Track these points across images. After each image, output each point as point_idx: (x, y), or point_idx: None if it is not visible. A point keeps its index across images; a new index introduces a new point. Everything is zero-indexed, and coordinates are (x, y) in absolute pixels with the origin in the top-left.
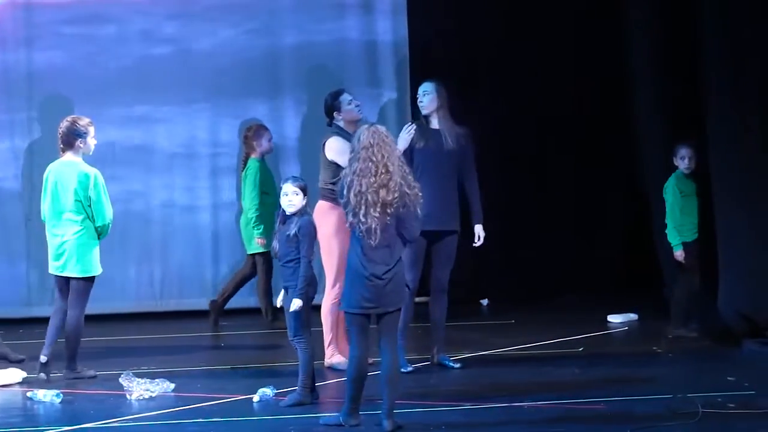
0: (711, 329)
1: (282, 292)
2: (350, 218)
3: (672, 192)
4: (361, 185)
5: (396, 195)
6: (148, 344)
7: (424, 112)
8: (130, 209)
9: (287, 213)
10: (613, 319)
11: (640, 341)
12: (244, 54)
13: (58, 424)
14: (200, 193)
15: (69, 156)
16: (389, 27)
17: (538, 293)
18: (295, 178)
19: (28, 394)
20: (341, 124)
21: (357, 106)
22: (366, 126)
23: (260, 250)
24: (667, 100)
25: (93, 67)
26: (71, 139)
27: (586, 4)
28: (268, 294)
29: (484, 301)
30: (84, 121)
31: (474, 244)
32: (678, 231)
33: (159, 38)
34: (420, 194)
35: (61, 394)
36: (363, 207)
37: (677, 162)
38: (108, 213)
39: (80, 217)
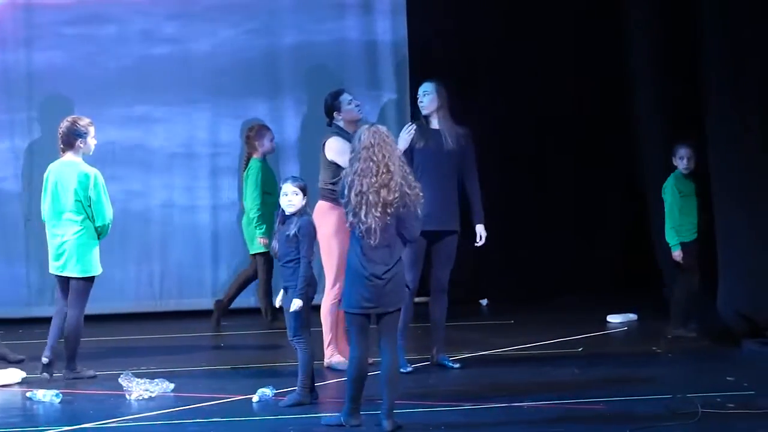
0: (710, 329)
1: (281, 292)
2: (350, 218)
3: (671, 192)
4: (362, 185)
5: (397, 195)
6: (147, 344)
7: (424, 112)
8: (129, 209)
9: (287, 213)
10: (613, 319)
11: (639, 341)
12: (244, 54)
13: (57, 424)
14: (200, 193)
15: (69, 156)
16: (389, 27)
17: (538, 293)
18: (294, 178)
19: (28, 394)
20: (341, 124)
21: (357, 106)
22: (367, 126)
23: (263, 250)
24: (667, 100)
25: (93, 67)
26: (71, 139)
27: (586, 4)
28: (268, 294)
29: (484, 301)
30: (84, 122)
31: (476, 244)
32: (676, 231)
33: (159, 38)
34: (421, 194)
35: (61, 394)
36: (364, 207)
37: (676, 162)
38: (108, 213)
39: (80, 217)
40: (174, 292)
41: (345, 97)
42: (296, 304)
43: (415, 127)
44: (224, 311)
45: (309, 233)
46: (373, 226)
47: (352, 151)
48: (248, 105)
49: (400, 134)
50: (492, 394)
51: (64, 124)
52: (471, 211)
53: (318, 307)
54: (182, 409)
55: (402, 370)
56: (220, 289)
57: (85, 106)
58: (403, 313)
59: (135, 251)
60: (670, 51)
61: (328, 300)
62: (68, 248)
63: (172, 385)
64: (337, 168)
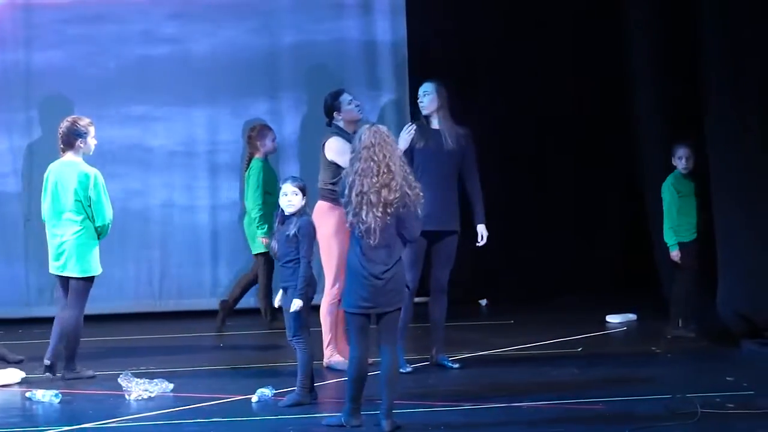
0: (710, 329)
1: (280, 292)
2: (350, 218)
3: (669, 192)
4: (362, 185)
5: (397, 195)
6: (146, 344)
7: (424, 112)
8: (129, 209)
9: (286, 213)
10: (612, 319)
11: (639, 341)
12: (244, 54)
13: (56, 424)
14: (199, 192)
15: (69, 156)
16: (388, 27)
17: (538, 293)
18: (294, 179)
19: (27, 394)
20: (341, 124)
21: (357, 106)
22: (367, 126)
23: (264, 250)
24: (667, 100)
25: (93, 67)
26: (71, 139)
27: (586, 4)
28: (268, 294)
29: (483, 302)
30: (84, 122)
31: (477, 244)
32: (674, 231)
33: (159, 38)
34: (421, 194)
35: (60, 395)
36: (365, 207)
37: (675, 162)
38: (108, 213)
39: (80, 217)
40: (173, 292)
41: (345, 97)
42: (296, 304)
43: (415, 127)
44: (230, 311)
45: (309, 233)
46: (372, 226)
47: (353, 151)
48: (248, 105)
49: (401, 134)
50: (491, 394)
51: (64, 124)
52: (472, 211)
53: (317, 308)
54: (181, 409)
55: (401, 370)
56: (219, 289)
57: (84, 106)
58: (403, 313)
59: (134, 251)
60: (670, 51)
61: (327, 300)
62: (68, 248)
63: (171, 385)
64: (337, 168)
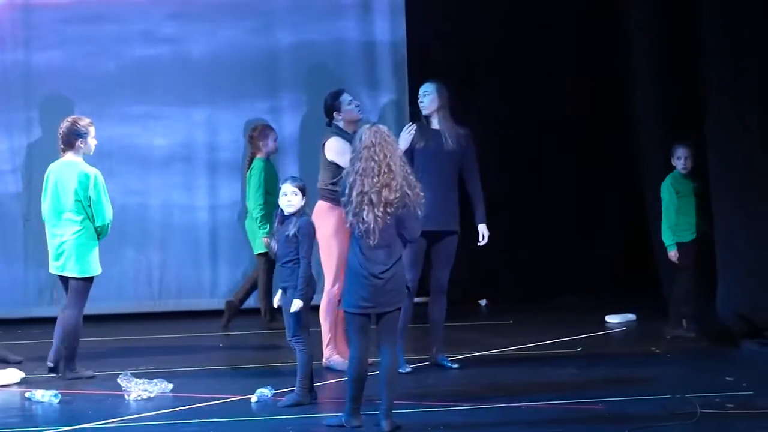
0: (709, 330)
1: (279, 292)
2: (350, 218)
3: (667, 192)
4: (363, 185)
5: (398, 195)
6: (146, 344)
7: (424, 112)
8: (128, 209)
9: (286, 213)
10: (612, 319)
11: (638, 341)
12: (243, 54)
13: (56, 424)
14: (199, 192)
15: (69, 156)
16: (387, 27)
17: (538, 293)
18: (294, 179)
19: (27, 394)
20: (341, 124)
21: (357, 106)
22: (368, 125)
23: (266, 250)
24: (667, 100)
25: (92, 67)
26: (72, 139)
27: (586, 4)
28: (268, 295)
29: (483, 302)
30: (84, 122)
31: (478, 244)
32: (673, 231)
33: (158, 38)
34: (421, 194)
35: (60, 395)
36: (365, 207)
37: (674, 162)
38: (108, 213)
39: (80, 218)
40: (173, 292)
41: (345, 98)
42: (297, 304)
43: (415, 127)
44: (236, 311)
45: (308, 233)
46: (372, 225)
47: (353, 151)
48: (247, 105)
49: (401, 134)
50: (491, 395)
51: (65, 125)
52: (473, 211)
53: (317, 308)
54: (181, 409)
55: (401, 370)
56: (218, 289)
57: (84, 106)
58: (402, 314)
59: (134, 251)
60: (670, 51)
61: (327, 300)
62: (67, 248)
63: (170, 386)
64: (336, 168)
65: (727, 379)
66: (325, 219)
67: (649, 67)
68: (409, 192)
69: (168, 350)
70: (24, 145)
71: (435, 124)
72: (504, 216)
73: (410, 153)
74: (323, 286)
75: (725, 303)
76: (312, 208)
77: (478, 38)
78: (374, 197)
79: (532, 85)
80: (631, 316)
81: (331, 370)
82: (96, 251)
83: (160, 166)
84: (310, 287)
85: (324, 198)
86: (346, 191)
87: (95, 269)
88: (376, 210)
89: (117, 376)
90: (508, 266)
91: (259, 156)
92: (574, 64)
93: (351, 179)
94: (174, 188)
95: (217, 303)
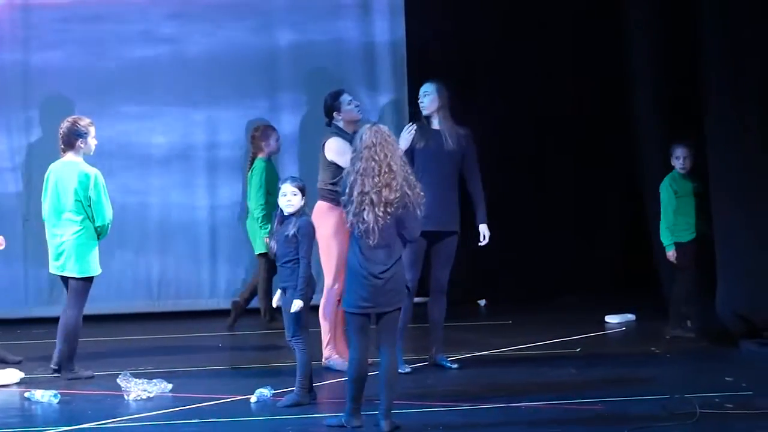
0: (709, 330)
1: (278, 292)
2: (350, 217)
3: (665, 192)
4: (364, 185)
5: (397, 195)
6: (145, 345)
7: (424, 112)
8: (128, 209)
9: (285, 213)
10: (611, 319)
11: (637, 342)
12: (243, 54)
13: (55, 424)
14: (198, 192)
15: (70, 156)
16: (387, 28)
17: (537, 293)
18: (293, 179)
19: (26, 394)
20: (341, 124)
21: (357, 106)
22: (368, 125)
23: (267, 250)
24: (667, 100)
25: (92, 66)
26: (72, 139)
27: (585, 4)
28: (268, 295)
29: (482, 302)
30: (85, 122)
31: (479, 244)
32: (671, 231)
33: (158, 38)
34: (422, 194)
35: (59, 395)
36: (366, 206)
37: (673, 162)
38: (108, 213)
39: (80, 218)
40: (172, 292)
41: (345, 98)
42: (297, 304)
43: (415, 127)
44: (242, 311)
45: (308, 233)
46: (372, 225)
47: (354, 151)
48: (247, 105)
49: (401, 134)
50: (490, 395)
51: (65, 125)
52: (474, 211)
53: (316, 308)
54: (180, 409)
55: (400, 370)
56: (218, 289)
57: (84, 106)
58: (402, 314)
59: (133, 251)
60: (670, 51)
61: (326, 300)
62: (67, 248)
63: (170, 386)
64: (336, 168)
65: (727, 379)
66: (324, 219)
67: (649, 67)
68: (409, 192)
69: (167, 350)
70: (24, 144)
71: (435, 124)
72: (504, 216)
73: (410, 153)
74: (323, 286)
75: (725, 303)
76: (312, 208)
77: (477, 38)
78: (374, 197)
79: (532, 85)
80: (631, 317)
81: (330, 370)
82: (96, 251)
83: (160, 166)
84: (310, 287)
85: (324, 198)
86: (347, 191)
87: (95, 269)
88: (376, 210)
89: (116, 376)
90: (507, 266)
91: (260, 156)
92: (574, 64)
93: (352, 179)
94: (173, 188)
95: (217, 303)
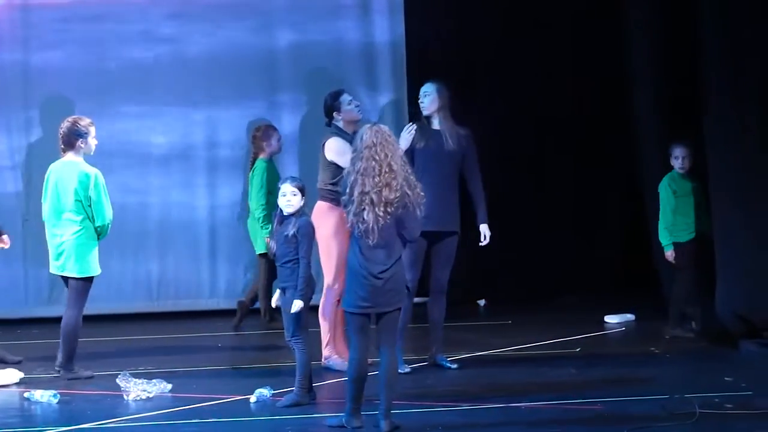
0: (708, 330)
1: (278, 292)
2: (351, 217)
3: (664, 191)
4: (364, 184)
5: (398, 195)
6: (145, 345)
7: (424, 112)
8: (127, 209)
9: (285, 213)
10: (611, 319)
11: (637, 342)
12: (243, 54)
13: (55, 424)
14: (198, 192)
15: (70, 156)
16: (386, 27)
17: (537, 293)
18: (293, 179)
19: (26, 394)
20: (340, 124)
21: (357, 106)
22: (368, 125)
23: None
24: (667, 100)
25: (92, 66)
26: (72, 139)
27: (585, 4)
28: (268, 295)
29: (482, 302)
30: (85, 122)
31: (480, 244)
32: (669, 231)
33: (158, 38)
34: (422, 194)
35: (58, 395)
36: (366, 206)
37: (672, 161)
38: (108, 213)
39: (80, 218)
40: (172, 292)
41: (345, 98)
42: (297, 305)
43: (415, 127)
44: (247, 311)
45: (308, 233)
46: (371, 225)
47: (355, 151)
48: (247, 105)
49: (401, 134)
50: (490, 395)
51: (65, 125)
52: (475, 211)
53: (316, 308)
54: (180, 409)
55: (400, 370)
56: (217, 288)
57: (84, 106)
58: (402, 314)
59: (133, 251)
60: (670, 51)
61: (326, 300)
62: (67, 248)
63: (169, 386)
64: (336, 168)
65: (726, 379)
66: (324, 219)
67: (649, 67)
68: (409, 192)
69: (167, 350)
70: (24, 144)
71: (435, 124)
72: (504, 216)
73: (410, 153)
74: (323, 286)
75: (724, 303)
76: (312, 208)
77: (477, 38)
78: (375, 197)
79: (532, 85)
80: (630, 317)
81: (329, 370)
82: (96, 251)
83: (160, 166)
84: (310, 287)
85: (324, 198)
86: (347, 191)
87: (95, 269)
88: (376, 209)
89: (116, 376)
90: (507, 266)
91: (262, 156)
92: (574, 64)
93: (352, 179)
94: (173, 188)
95: (216, 303)
